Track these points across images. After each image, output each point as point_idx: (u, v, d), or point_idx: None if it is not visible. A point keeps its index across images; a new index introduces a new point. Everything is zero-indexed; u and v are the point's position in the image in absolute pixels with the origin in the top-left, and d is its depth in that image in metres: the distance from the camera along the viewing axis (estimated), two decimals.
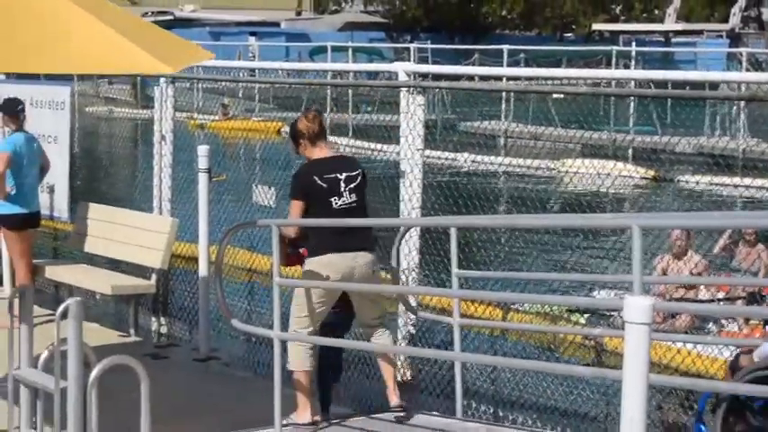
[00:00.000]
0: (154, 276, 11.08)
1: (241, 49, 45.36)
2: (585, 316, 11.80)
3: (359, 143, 24.73)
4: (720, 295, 11.93)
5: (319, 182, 7.88)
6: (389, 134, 10.86)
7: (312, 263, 7.82)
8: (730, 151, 24.68)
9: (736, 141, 25.42)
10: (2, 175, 10.78)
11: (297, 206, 7.90)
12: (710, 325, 11.65)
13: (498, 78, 11.74)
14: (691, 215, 9.37)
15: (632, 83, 12.15)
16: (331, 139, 26.43)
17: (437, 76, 9.83)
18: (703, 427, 6.06)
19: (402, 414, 8.08)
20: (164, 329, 11.60)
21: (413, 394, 9.20)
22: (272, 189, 10.52)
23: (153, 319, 11.72)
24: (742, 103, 24.22)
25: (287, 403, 7.82)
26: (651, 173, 24.25)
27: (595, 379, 7.94)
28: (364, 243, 7.95)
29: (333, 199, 7.88)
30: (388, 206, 10.01)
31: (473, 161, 22.93)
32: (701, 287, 12.15)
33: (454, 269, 8.44)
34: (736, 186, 19.46)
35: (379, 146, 21.73)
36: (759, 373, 5.86)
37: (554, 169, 24.38)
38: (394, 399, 8.12)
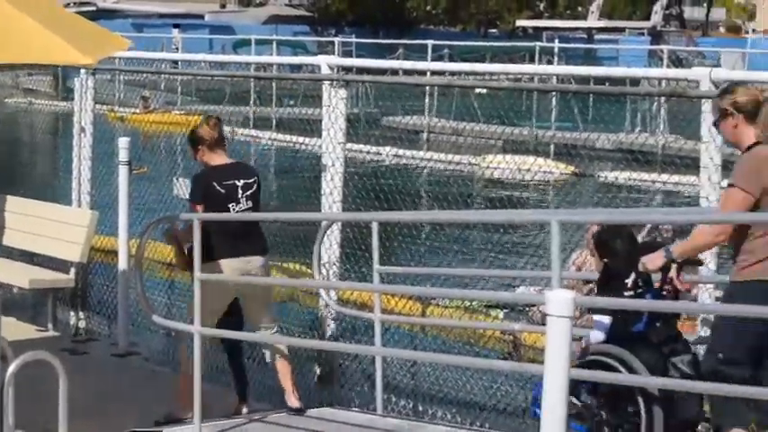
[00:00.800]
0: (73, 270, 10.94)
1: (164, 41, 45.02)
2: (503, 311, 11.86)
3: (282, 136, 24.69)
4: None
5: (218, 188, 8.07)
6: (312, 128, 10.83)
7: (207, 267, 7.80)
8: (650, 147, 24.94)
9: (656, 138, 25.70)
10: None
11: (197, 211, 8.04)
12: None
13: (422, 73, 11.73)
14: (609, 211, 9.45)
15: (554, 78, 12.22)
16: (254, 132, 26.39)
17: (360, 70, 9.81)
18: (538, 411, 6.04)
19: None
20: (82, 324, 11.45)
21: (332, 390, 9.18)
22: None
23: (72, 313, 11.56)
24: (662, 100, 24.50)
25: (208, 399, 7.77)
26: (571, 168, 24.43)
27: (514, 373, 7.94)
28: (257, 248, 8.18)
29: (231, 205, 8.10)
30: (311, 200, 9.98)
31: (395, 155, 22.93)
32: None
33: (375, 264, 8.44)
34: (654, 182, 19.67)
35: (301, 139, 21.68)
36: (585, 359, 6.19)
37: (475, 164, 24.47)
38: (293, 400, 8.25)
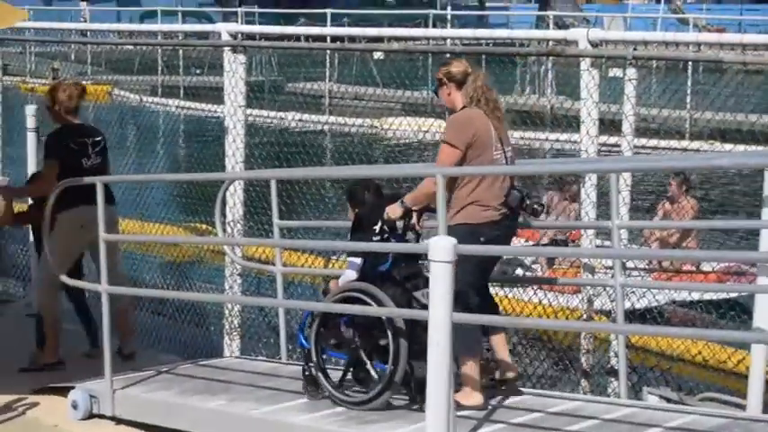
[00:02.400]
0: None
1: (72, 13, 44.26)
2: None
3: (189, 104, 24.47)
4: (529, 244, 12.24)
5: (72, 145, 8.60)
6: (215, 95, 10.81)
7: (68, 213, 8.38)
8: (539, 108, 25.16)
9: (546, 99, 25.93)
10: None
11: (53, 166, 8.54)
12: (519, 270, 11.95)
13: (322, 39, 11.71)
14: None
15: (447, 41, 12.28)
16: (163, 100, 26.12)
17: (261, 38, 9.79)
18: (303, 340, 7.11)
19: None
20: None
21: (240, 341, 9.20)
22: None
23: None
24: (549, 64, 24.73)
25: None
26: None
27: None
28: (109, 198, 8.43)
29: (83, 160, 8.62)
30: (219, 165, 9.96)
31: (299, 120, 22.88)
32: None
33: (275, 219, 8.47)
34: (544, 140, 19.86)
35: (207, 106, 21.51)
36: (340, 295, 6.85)
37: (376, 128, 24.52)
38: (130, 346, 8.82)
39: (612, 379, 7.57)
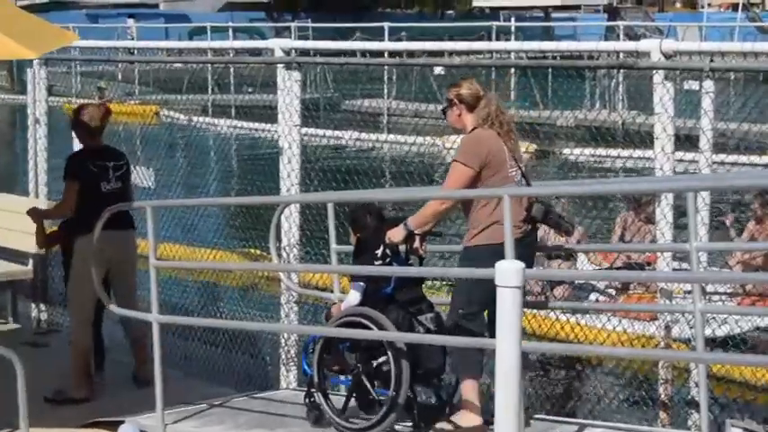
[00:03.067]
0: (31, 261, 10.90)
1: (119, 31, 44.78)
2: None
3: (241, 123, 24.63)
4: (605, 265, 12.16)
5: (91, 167, 8.75)
6: (271, 113, 10.85)
7: (86, 238, 8.45)
8: (611, 123, 25.04)
9: (616, 113, 25.80)
10: None
11: (72, 187, 8.73)
12: (592, 295, 11.87)
13: (379, 54, 11.72)
14: (559, 183, 9.53)
15: (511, 55, 12.24)
16: (213, 120, 26.29)
17: (315, 54, 9.83)
18: (306, 366, 7.39)
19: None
20: (44, 316, 11.42)
21: (297, 372, 9.19)
22: (151, 170, 10.45)
23: (32, 305, 11.54)
24: (620, 77, 24.58)
25: (171, 387, 7.81)
26: (533, 147, 24.50)
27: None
28: (127, 222, 8.87)
29: (102, 183, 8.77)
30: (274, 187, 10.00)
31: (357, 139, 22.97)
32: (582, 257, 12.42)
33: (332, 244, 8.49)
34: (616, 158, 19.74)
35: (260, 125, 21.63)
36: (342, 320, 7.11)
37: (437, 146, 24.48)
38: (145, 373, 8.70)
39: (693, 411, 7.48)
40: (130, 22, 51.04)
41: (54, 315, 11.47)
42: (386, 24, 35.86)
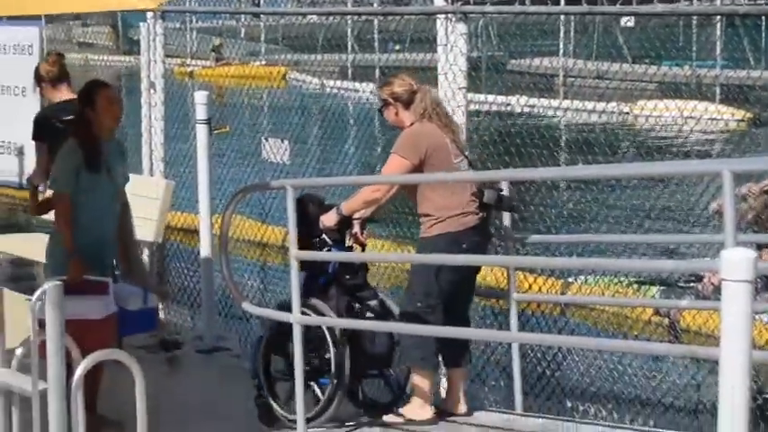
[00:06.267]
0: (146, 252, 11.01)
1: None
2: (659, 288, 11.78)
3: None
4: None
5: (59, 124, 9.15)
6: (423, 76, 10.84)
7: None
8: None
9: None
10: None
11: (41, 148, 9.44)
12: None
13: (555, 2, 11.64)
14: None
15: (717, 0, 12.02)
16: (354, 84, 26.40)
17: (483, 1, 9.78)
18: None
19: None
20: (161, 315, 11.56)
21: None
22: (286, 142, 10.41)
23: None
24: None
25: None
26: (744, 114, 24.10)
27: (683, 358, 7.92)
28: None
29: None
30: None
31: (527, 105, 22.84)
32: None
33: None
34: None
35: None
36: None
37: (626, 113, 24.29)
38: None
39: None
40: None
41: (172, 314, 11.44)
42: None
